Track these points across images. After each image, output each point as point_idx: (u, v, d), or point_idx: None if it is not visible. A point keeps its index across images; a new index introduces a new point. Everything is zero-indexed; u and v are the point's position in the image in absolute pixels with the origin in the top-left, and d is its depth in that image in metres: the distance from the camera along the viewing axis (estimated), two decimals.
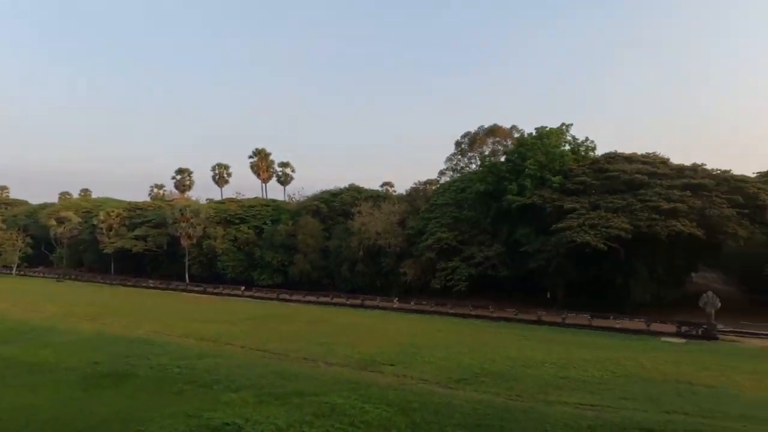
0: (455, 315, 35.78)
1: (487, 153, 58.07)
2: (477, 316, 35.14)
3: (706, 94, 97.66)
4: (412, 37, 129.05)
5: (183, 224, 58.52)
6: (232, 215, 61.74)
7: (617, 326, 29.80)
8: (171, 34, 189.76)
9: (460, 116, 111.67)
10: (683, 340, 26.16)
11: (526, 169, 39.71)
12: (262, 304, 43.05)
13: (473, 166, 61.63)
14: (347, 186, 64.71)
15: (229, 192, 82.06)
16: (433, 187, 58.33)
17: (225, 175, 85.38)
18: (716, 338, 26.19)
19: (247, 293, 49.60)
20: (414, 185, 60.52)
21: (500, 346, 21.73)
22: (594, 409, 11.87)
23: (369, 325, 28.69)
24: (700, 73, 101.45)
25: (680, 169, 37.26)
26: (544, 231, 37.36)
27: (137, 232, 64.73)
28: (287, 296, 46.08)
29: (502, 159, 48.14)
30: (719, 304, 28.06)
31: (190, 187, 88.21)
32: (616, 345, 23.75)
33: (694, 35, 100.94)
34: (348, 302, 42.32)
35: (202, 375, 13.76)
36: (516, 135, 55.74)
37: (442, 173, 66.16)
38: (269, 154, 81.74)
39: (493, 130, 62.06)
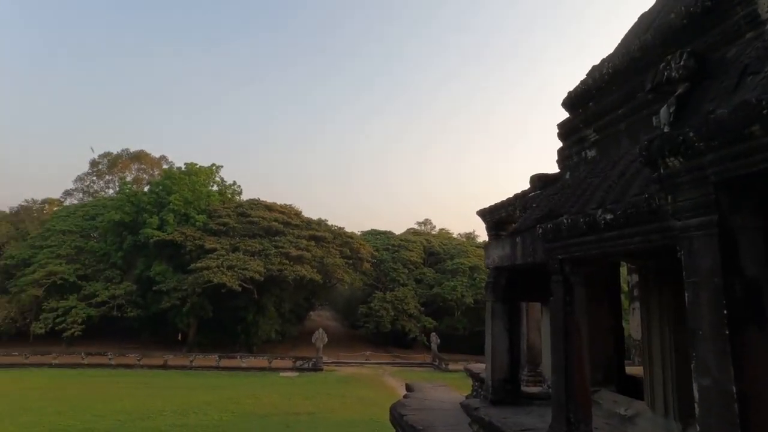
0: (63, 366, 29.69)
1: (129, 179, 52.85)
2: (92, 365, 30.19)
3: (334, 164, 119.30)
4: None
5: None
6: None
7: (243, 365, 31.07)
8: None
9: (100, 132, 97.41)
10: (297, 374, 29.51)
11: (171, 204, 37.99)
12: None
13: (111, 191, 54.89)
14: None
15: None
16: (54, 209, 48.40)
17: None
18: (321, 369, 30.70)
19: None
20: (24, 203, 48.59)
21: (114, 399, 19.17)
22: None
23: None
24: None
25: (309, 222, 43.27)
26: (183, 269, 36.14)
27: None
28: None
29: (146, 189, 44.71)
30: (326, 339, 33.28)
31: None
32: (239, 383, 24.64)
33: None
34: None
35: None
36: (165, 166, 53.11)
37: (68, 194, 56.14)
38: None
39: (140, 156, 57.39)
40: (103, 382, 24.10)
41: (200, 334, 37.92)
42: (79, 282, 36.90)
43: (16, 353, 31.46)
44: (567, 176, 5.59)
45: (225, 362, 31.31)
